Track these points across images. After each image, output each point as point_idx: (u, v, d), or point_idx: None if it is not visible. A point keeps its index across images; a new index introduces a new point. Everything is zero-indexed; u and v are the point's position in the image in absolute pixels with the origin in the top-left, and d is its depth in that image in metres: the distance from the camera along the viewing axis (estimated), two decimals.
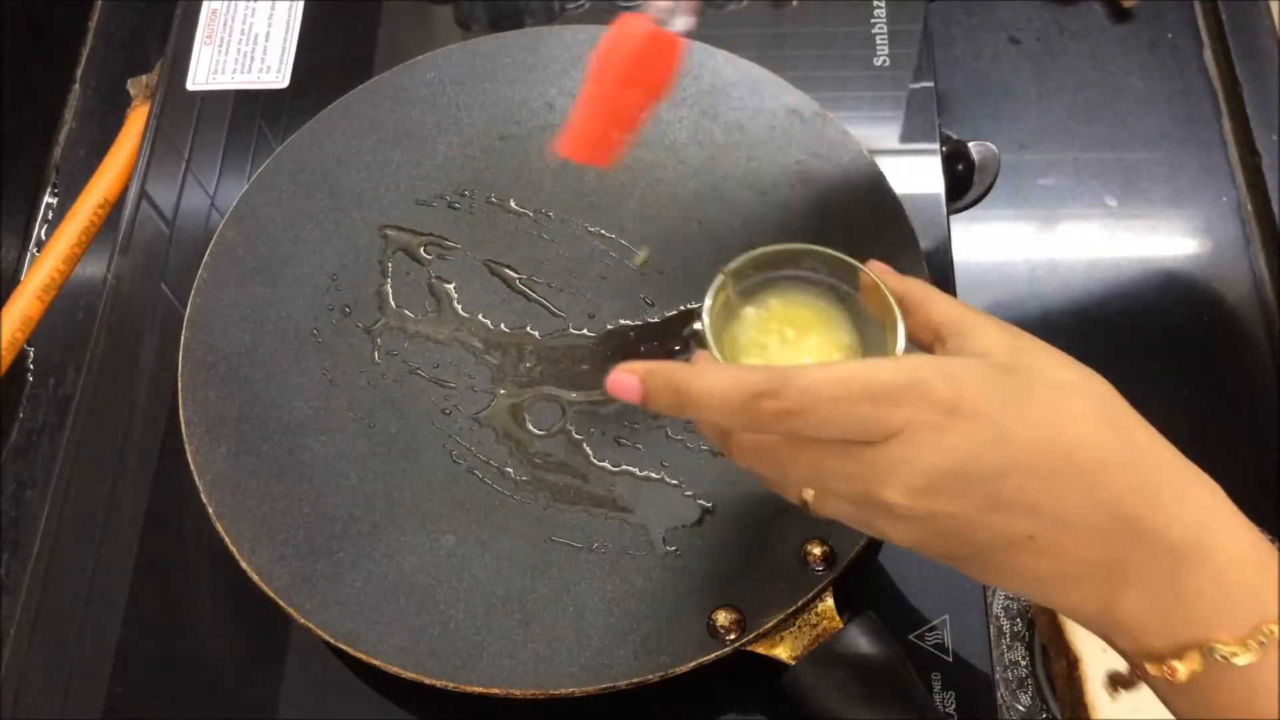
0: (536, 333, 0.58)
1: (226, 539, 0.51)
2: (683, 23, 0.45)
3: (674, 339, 0.57)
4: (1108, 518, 0.36)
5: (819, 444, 0.37)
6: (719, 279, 0.43)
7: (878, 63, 0.67)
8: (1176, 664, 0.36)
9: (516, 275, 0.60)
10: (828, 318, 0.44)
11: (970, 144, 0.70)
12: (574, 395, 0.56)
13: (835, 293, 0.44)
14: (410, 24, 0.73)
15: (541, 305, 0.59)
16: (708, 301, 0.42)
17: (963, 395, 0.35)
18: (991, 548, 0.37)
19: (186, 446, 0.53)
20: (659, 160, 0.62)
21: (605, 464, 0.54)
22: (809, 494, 0.40)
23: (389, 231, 0.61)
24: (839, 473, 0.37)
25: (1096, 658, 0.55)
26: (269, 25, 0.72)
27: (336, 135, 0.63)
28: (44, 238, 0.76)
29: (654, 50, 0.45)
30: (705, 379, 0.37)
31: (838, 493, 0.38)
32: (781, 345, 0.44)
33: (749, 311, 0.44)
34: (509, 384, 0.57)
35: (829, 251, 0.43)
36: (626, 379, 0.39)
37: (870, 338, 0.43)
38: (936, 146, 0.64)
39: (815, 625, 0.49)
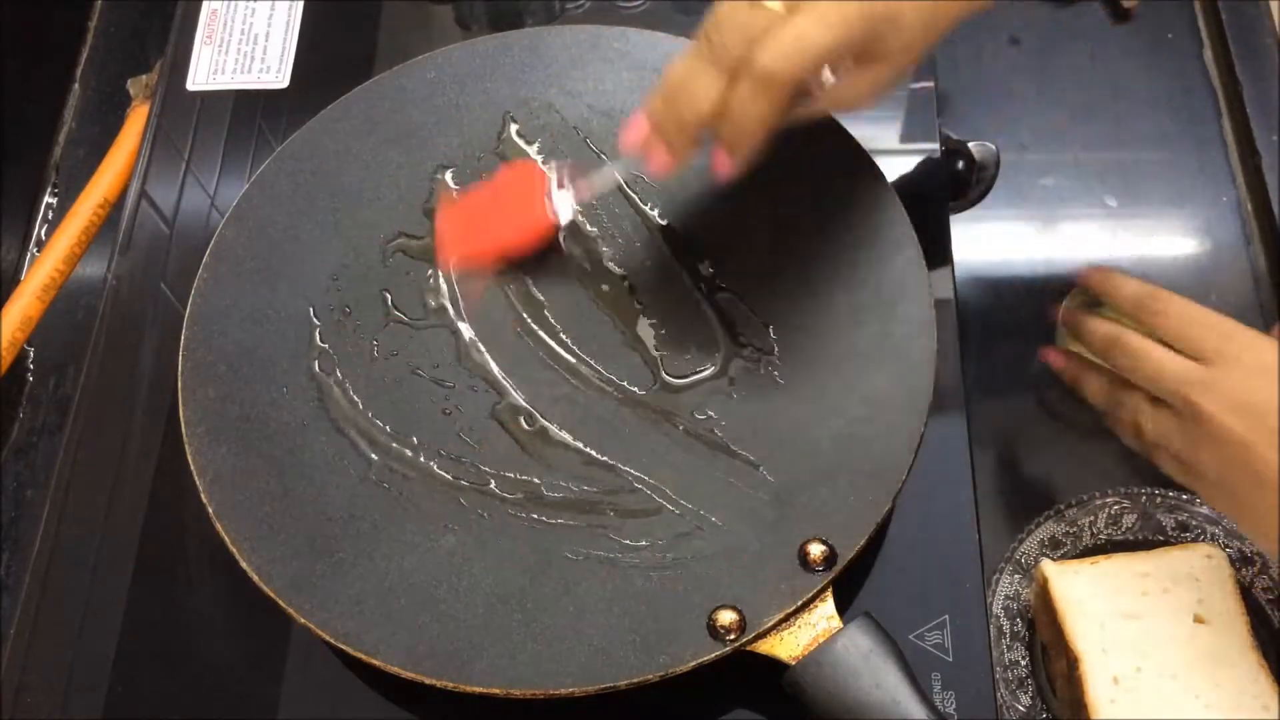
0: (536, 332, 0.58)
1: (226, 539, 0.51)
2: (565, 209, 0.58)
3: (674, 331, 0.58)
4: None
5: (1167, 351, 0.51)
6: None
7: None
8: None
9: (516, 274, 0.60)
10: None
11: (970, 144, 0.70)
12: (575, 395, 0.56)
13: None
14: (410, 24, 0.73)
15: (542, 303, 0.59)
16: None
17: (1262, 354, 0.49)
18: (1258, 483, 0.47)
19: (186, 446, 0.53)
20: None
21: (606, 459, 0.54)
22: (1147, 418, 0.52)
23: (389, 231, 0.61)
24: (1174, 374, 0.50)
25: (1097, 658, 0.55)
26: (269, 25, 0.72)
27: (336, 135, 0.63)
28: (44, 238, 0.76)
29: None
30: (1130, 280, 0.55)
31: (1169, 396, 0.50)
32: None
33: None
34: (509, 384, 0.57)
35: None
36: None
37: None
38: (936, 146, 0.64)
39: (815, 625, 0.48)
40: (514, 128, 0.63)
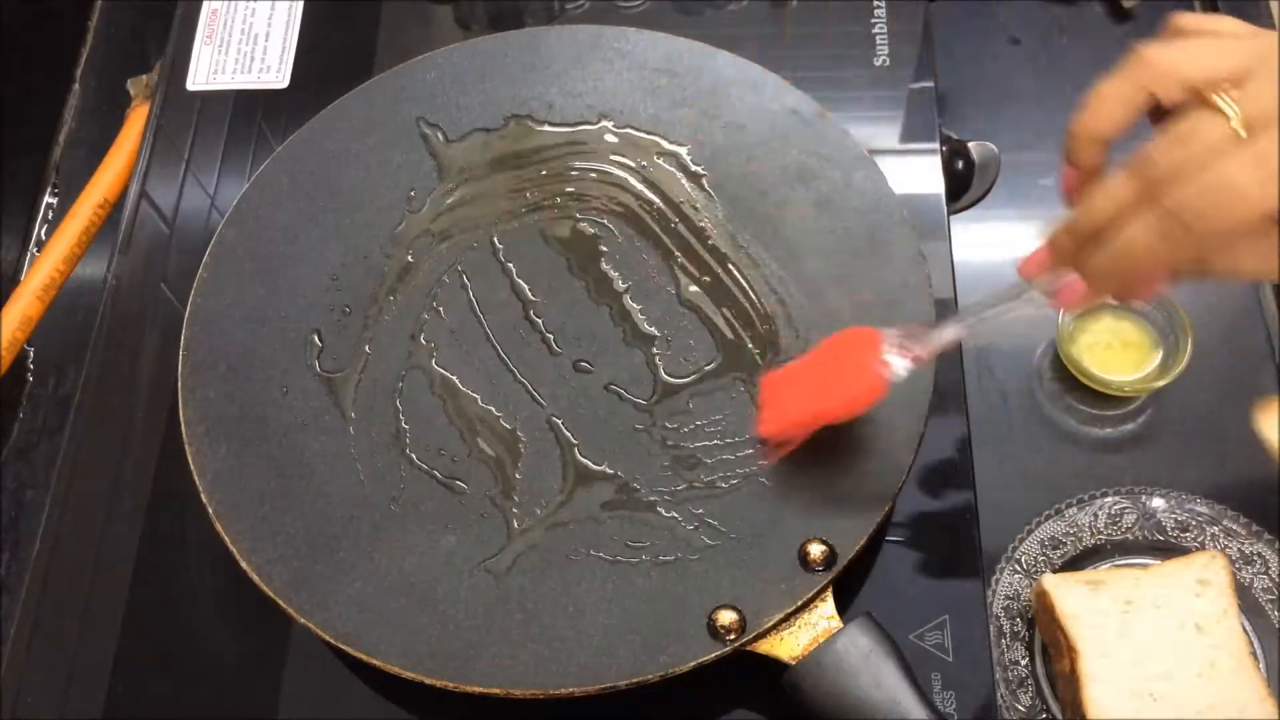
0: (538, 332, 0.58)
1: (226, 539, 0.51)
2: (902, 367, 0.49)
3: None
4: None
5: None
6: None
7: (878, 63, 0.67)
8: None
9: (516, 273, 0.60)
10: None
11: (970, 144, 0.70)
12: (574, 394, 0.56)
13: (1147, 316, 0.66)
14: (410, 24, 0.73)
15: (541, 303, 0.59)
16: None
17: None
18: None
19: (186, 446, 0.53)
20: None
21: (604, 466, 0.54)
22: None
23: (389, 231, 0.61)
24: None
25: (1097, 658, 0.55)
26: (269, 25, 0.72)
27: (336, 135, 0.63)
28: (44, 238, 0.76)
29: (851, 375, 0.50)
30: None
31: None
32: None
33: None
34: (509, 384, 0.57)
35: None
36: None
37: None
38: (936, 146, 0.64)
39: (815, 625, 0.49)
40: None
